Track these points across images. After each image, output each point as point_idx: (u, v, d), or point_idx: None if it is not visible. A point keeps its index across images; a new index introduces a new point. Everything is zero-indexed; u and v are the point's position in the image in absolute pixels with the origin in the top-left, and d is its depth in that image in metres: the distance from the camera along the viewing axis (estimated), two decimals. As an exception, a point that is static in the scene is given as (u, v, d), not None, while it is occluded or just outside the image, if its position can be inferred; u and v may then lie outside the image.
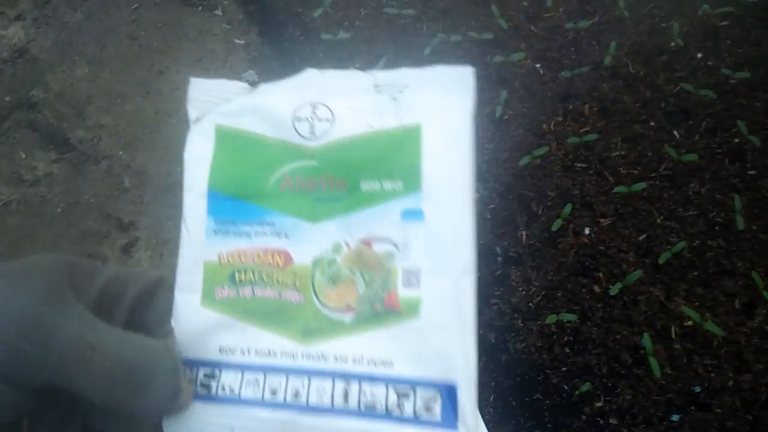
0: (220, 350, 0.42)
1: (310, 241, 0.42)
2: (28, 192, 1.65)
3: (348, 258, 0.41)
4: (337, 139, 0.42)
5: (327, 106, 0.43)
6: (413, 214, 0.40)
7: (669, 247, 1.30)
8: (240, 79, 1.80)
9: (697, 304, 1.27)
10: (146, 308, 0.43)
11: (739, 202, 1.33)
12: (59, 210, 1.62)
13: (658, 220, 1.34)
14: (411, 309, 0.39)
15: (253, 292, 0.42)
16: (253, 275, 0.42)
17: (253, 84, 0.45)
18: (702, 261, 1.31)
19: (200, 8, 1.99)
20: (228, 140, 0.45)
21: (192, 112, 0.46)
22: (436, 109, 0.42)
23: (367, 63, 1.62)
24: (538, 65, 1.56)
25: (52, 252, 0.42)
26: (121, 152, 1.72)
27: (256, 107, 0.44)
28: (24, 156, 1.71)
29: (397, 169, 0.41)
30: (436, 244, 0.39)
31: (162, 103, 1.80)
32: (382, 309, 0.40)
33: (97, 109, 1.80)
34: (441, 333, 0.39)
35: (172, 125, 1.75)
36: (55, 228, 1.58)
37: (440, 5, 1.70)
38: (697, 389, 1.20)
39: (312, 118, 0.42)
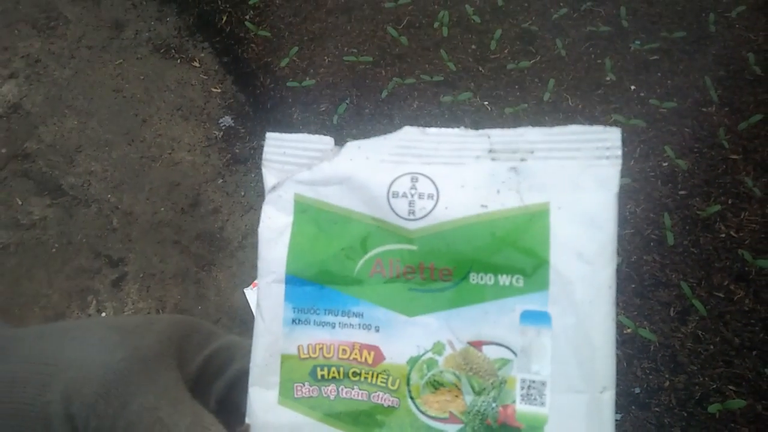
0: None
1: (406, 338, 0.36)
2: (25, 235, 1.67)
3: (452, 360, 0.35)
4: (441, 222, 0.35)
5: (430, 179, 0.36)
6: (537, 318, 0.33)
7: None
8: (217, 124, 1.90)
9: (635, 313, 1.31)
10: (244, 388, 0.39)
11: (669, 220, 1.38)
12: (54, 250, 1.65)
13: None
14: (532, 428, 0.33)
15: (338, 391, 0.37)
16: (338, 372, 0.37)
17: (333, 147, 0.38)
18: (638, 274, 1.36)
19: (179, 61, 2.05)
20: (309, 214, 0.38)
21: (268, 176, 0.40)
22: (569, 184, 0.34)
23: (332, 105, 1.67)
24: (485, 103, 1.62)
25: (176, 314, 0.45)
26: (109, 195, 1.75)
27: (343, 177, 0.37)
28: (20, 202, 1.74)
29: (517, 262, 0.34)
30: (567, 355, 0.33)
31: (146, 149, 1.85)
32: (496, 424, 0.33)
33: (86, 157, 1.84)
34: None
35: (156, 169, 1.80)
36: (50, 266, 1.61)
37: (395, 51, 1.75)
38: (637, 390, 1.25)
39: (412, 194, 0.36)
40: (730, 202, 1.42)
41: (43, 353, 0.35)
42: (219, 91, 1.98)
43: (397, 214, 0.36)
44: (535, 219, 0.34)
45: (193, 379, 0.40)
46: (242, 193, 1.73)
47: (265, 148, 0.40)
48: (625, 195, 1.45)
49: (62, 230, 1.69)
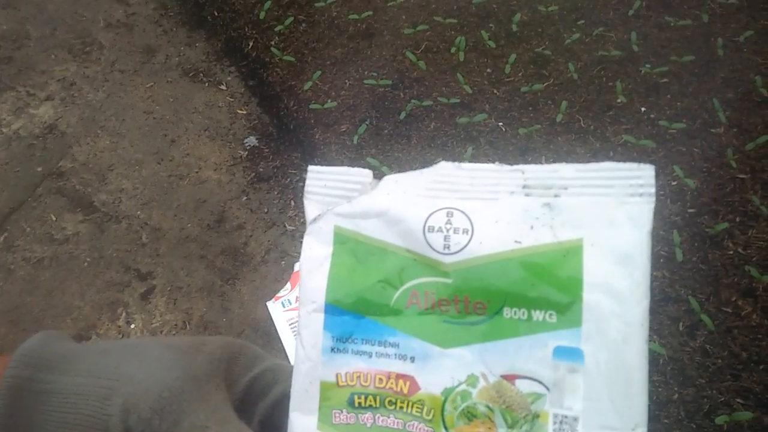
0: None
1: (440, 369, 0.36)
2: (58, 249, 1.72)
3: (485, 393, 0.35)
4: (476, 256, 0.36)
5: (465, 214, 0.36)
6: (570, 354, 0.34)
7: None
8: (243, 144, 1.98)
9: None
10: (286, 410, 0.40)
11: (678, 237, 1.41)
12: (86, 264, 1.70)
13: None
14: None
15: (374, 419, 0.37)
16: (375, 401, 0.37)
17: (372, 180, 0.39)
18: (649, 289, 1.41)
19: (207, 84, 2.12)
20: (348, 246, 0.39)
21: (309, 208, 0.41)
22: (602, 220, 0.34)
23: (352, 127, 1.72)
24: (500, 123, 1.66)
25: (225, 335, 0.46)
26: (139, 212, 1.81)
27: (380, 210, 0.38)
28: (54, 218, 1.79)
29: (550, 297, 0.34)
30: (600, 391, 0.33)
31: (174, 167, 1.91)
32: None
33: (117, 175, 1.89)
34: None
35: (183, 186, 1.86)
36: (82, 280, 1.66)
37: (413, 75, 1.81)
38: None
39: (447, 229, 0.36)
40: (737, 220, 1.44)
41: (105, 368, 0.38)
42: (244, 112, 2.04)
43: (432, 248, 0.36)
44: (569, 255, 0.34)
45: (239, 398, 0.42)
46: (265, 210, 1.79)
47: (307, 181, 0.41)
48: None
49: (94, 245, 1.75)
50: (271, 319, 1.54)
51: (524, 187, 0.36)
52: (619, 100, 1.68)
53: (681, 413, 1.25)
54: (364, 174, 0.40)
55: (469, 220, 0.36)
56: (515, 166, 0.36)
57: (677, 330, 1.34)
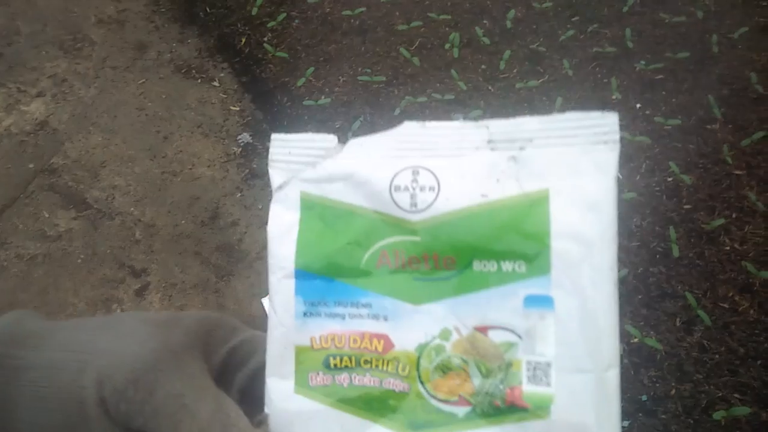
0: None
1: (413, 326, 0.36)
2: (51, 246, 1.72)
3: (459, 346, 0.35)
4: (443, 213, 0.35)
5: (431, 171, 0.36)
6: (540, 302, 0.34)
7: None
8: (236, 141, 1.97)
9: (642, 323, 1.34)
10: (264, 380, 0.40)
11: (674, 233, 1.42)
12: (79, 261, 1.69)
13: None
14: (540, 408, 0.34)
15: (351, 379, 0.38)
16: (350, 361, 0.38)
17: (336, 145, 0.39)
18: (645, 285, 1.38)
19: (199, 80, 2.11)
20: (315, 211, 0.39)
21: (275, 176, 0.40)
22: (568, 170, 0.34)
23: (346, 123, 1.72)
24: None
25: (201, 309, 0.47)
26: (132, 208, 1.81)
27: (346, 173, 0.38)
28: (47, 215, 1.79)
29: (518, 248, 0.34)
30: (571, 336, 0.33)
31: (167, 164, 1.90)
32: (504, 405, 0.34)
33: (110, 172, 1.89)
34: None
35: (177, 183, 1.86)
36: (76, 277, 1.66)
37: (407, 71, 1.81)
38: (644, 398, 1.27)
39: (413, 187, 0.36)
40: (734, 215, 1.45)
41: (79, 342, 0.38)
42: (238, 109, 2.04)
43: (399, 207, 0.36)
44: (535, 205, 0.34)
45: (217, 370, 0.42)
46: (260, 207, 1.79)
47: (271, 149, 0.41)
48: (631, 209, 1.49)
49: (87, 242, 1.74)
50: (266, 315, 1.53)
51: (489, 141, 0.36)
52: (614, 97, 1.69)
53: (678, 408, 1.25)
54: (329, 139, 0.39)
55: (435, 177, 0.36)
56: (480, 122, 0.36)
57: (674, 326, 1.34)
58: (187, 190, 1.83)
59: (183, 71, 2.15)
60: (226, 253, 1.69)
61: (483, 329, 0.35)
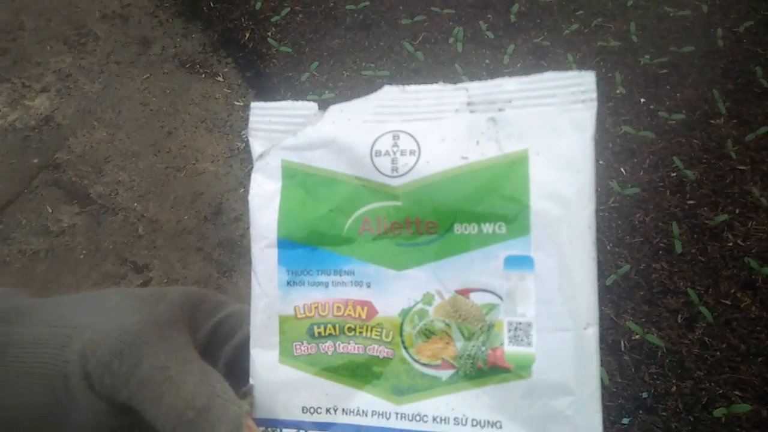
0: (302, 410, 0.38)
1: (396, 291, 0.37)
2: (54, 242, 1.72)
3: (441, 309, 0.36)
4: (424, 176, 0.36)
5: (411, 135, 0.36)
6: (520, 262, 0.34)
7: (616, 269, 1.38)
8: (240, 136, 1.96)
9: (643, 319, 1.33)
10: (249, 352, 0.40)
11: (677, 229, 1.41)
12: (82, 256, 1.70)
13: (608, 247, 1.41)
14: (521, 368, 0.34)
15: (335, 347, 0.38)
16: (334, 329, 0.38)
17: (317, 112, 0.38)
18: (647, 281, 1.38)
19: (203, 75, 2.11)
20: (297, 179, 0.39)
21: (255, 145, 0.40)
22: (546, 130, 0.34)
23: None
24: None
25: (183, 286, 0.43)
26: (135, 204, 1.81)
27: (327, 140, 0.38)
28: (50, 210, 1.79)
29: (498, 209, 0.35)
30: (551, 295, 0.34)
31: (171, 159, 1.91)
32: (486, 367, 0.35)
33: (114, 167, 1.89)
34: (558, 394, 0.33)
35: (180, 179, 1.86)
36: (78, 272, 1.66)
37: (411, 66, 1.80)
38: (644, 395, 1.26)
39: (394, 152, 0.36)
40: (737, 211, 1.44)
41: (63, 317, 0.38)
42: (241, 104, 2.04)
43: (381, 173, 0.36)
44: (515, 166, 0.34)
45: (203, 343, 0.42)
46: (263, 202, 1.79)
47: (251, 118, 0.41)
48: (634, 204, 1.49)
49: (90, 237, 1.75)
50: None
51: (469, 104, 0.36)
52: (618, 91, 1.67)
53: (679, 406, 1.25)
54: (309, 106, 0.39)
55: (416, 141, 0.36)
56: (459, 84, 0.36)
57: (676, 322, 1.34)
58: (191, 186, 1.84)
59: (187, 66, 2.15)
60: (229, 248, 1.70)
61: (465, 292, 0.35)
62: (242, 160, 1.90)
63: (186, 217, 1.77)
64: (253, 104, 0.41)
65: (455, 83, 0.36)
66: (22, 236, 1.74)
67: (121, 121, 2.01)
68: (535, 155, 0.34)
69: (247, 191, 1.79)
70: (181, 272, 1.67)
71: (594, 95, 0.34)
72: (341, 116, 0.38)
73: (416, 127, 0.36)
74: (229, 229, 1.74)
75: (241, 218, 1.76)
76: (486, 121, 0.35)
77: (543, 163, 0.34)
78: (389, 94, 0.37)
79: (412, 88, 0.37)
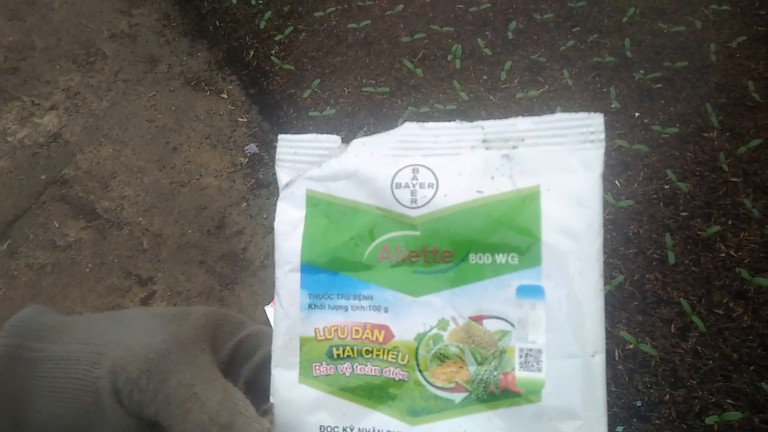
0: (320, 428, 0.39)
1: (413, 316, 0.38)
2: (61, 256, 1.75)
3: (456, 335, 0.37)
4: (441, 208, 0.37)
5: (430, 169, 0.38)
6: (531, 291, 0.36)
7: (611, 280, 1.39)
8: (243, 151, 2.01)
9: (637, 329, 1.34)
10: (269, 371, 0.41)
11: (671, 240, 1.42)
12: (88, 270, 1.72)
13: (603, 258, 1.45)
14: (531, 393, 0.35)
15: (353, 368, 0.39)
16: (352, 351, 0.39)
17: (341, 145, 0.41)
18: (641, 292, 1.39)
19: (208, 93, 2.15)
20: (320, 208, 0.40)
21: (281, 175, 0.42)
22: (557, 167, 0.36)
23: (350, 133, 1.74)
24: None
25: (204, 306, 0.46)
26: (140, 218, 1.83)
27: (350, 172, 0.40)
28: (57, 225, 1.82)
29: (511, 241, 0.36)
30: (560, 323, 0.35)
31: (176, 174, 1.94)
32: (498, 391, 0.36)
33: (120, 183, 1.92)
34: (566, 418, 0.35)
35: (185, 193, 1.89)
36: (84, 285, 1.68)
37: (411, 82, 1.83)
38: (638, 403, 1.27)
39: (413, 184, 0.38)
40: (729, 222, 1.46)
41: (94, 336, 0.39)
42: (245, 120, 2.08)
43: (400, 204, 0.38)
44: (527, 201, 0.36)
45: (224, 362, 0.43)
46: (265, 216, 1.82)
47: (278, 149, 0.42)
48: (628, 216, 1.50)
49: (96, 251, 1.77)
50: (270, 323, 1.55)
51: (484, 141, 0.37)
52: (613, 106, 1.70)
53: (672, 414, 1.26)
54: (333, 139, 0.41)
55: (434, 174, 0.38)
56: (475, 123, 0.38)
57: (669, 332, 1.35)
58: (195, 200, 1.87)
59: (192, 84, 2.19)
60: (231, 261, 1.72)
61: (478, 318, 0.36)
62: (245, 175, 1.93)
63: (190, 231, 1.80)
64: (281, 136, 0.42)
65: (471, 120, 0.39)
66: (29, 250, 1.77)
67: (127, 138, 2.05)
68: (546, 191, 0.36)
69: (249, 205, 1.84)
70: (184, 285, 1.69)
71: (602, 136, 0.36)
72: (364, 150, 0.40)
73: (435, 161, 0.38)
74: (231, 242, 1.77)
75: (244, 232, 1.79)
76: (500, 158, 0.37)
77: (554, 198, 0.36)
78: (409, 129, 0.39)
79: (431, 125, 0.39)
